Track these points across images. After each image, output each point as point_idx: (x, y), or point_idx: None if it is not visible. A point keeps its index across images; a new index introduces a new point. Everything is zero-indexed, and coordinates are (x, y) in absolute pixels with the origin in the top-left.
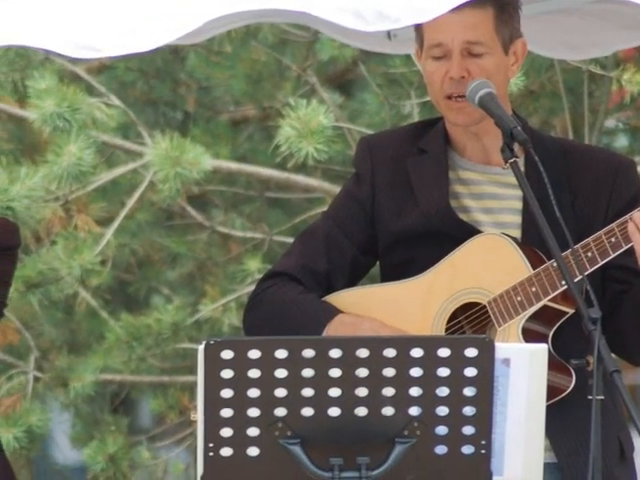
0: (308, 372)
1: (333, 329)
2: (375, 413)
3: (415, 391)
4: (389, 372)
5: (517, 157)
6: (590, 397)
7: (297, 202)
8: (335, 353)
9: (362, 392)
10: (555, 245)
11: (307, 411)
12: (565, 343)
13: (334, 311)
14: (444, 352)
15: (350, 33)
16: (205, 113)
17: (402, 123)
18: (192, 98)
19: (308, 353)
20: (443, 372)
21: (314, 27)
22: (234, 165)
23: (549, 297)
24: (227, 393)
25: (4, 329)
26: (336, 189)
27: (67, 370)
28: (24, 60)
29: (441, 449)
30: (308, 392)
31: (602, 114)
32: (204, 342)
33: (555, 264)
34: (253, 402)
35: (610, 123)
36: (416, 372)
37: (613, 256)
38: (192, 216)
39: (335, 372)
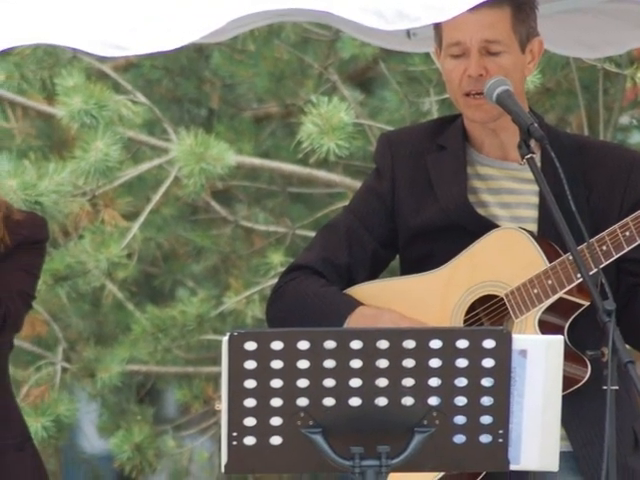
0: (329, 363)
1: (354, 321)
2: (395, 403)
3: (434, 381)
4: (409, 363)
5: (534, 153)
6: (605, 387)
7: (319, 197)
8: (356, 344)
9: (382, 382)
10: (571, 239)
11: (328, 401)
12: (580, 335)
13: (355, 303)
14: (462, 343)
15: (371, 32)
16: (229, 110)
17: (421, 120)
18: (216, 95)
19: (329, 344)
20: (461, 363)
21: (336, 26)
22: (257, 161)
23: (565, 290)
24: (250, 384)
25: (33, 321)
26: (357, 184)
27: (94, 361)
28: (52, 58)
29: (459, 438)
30: (329, 382)
31: (616, 111)
32: (228, 334)
33: (571, 257)
34: (276, 392)
35: (624, 120)
36: (435, 363)
37: (627, 249)
38: (216, 211)
39: (356, 363)
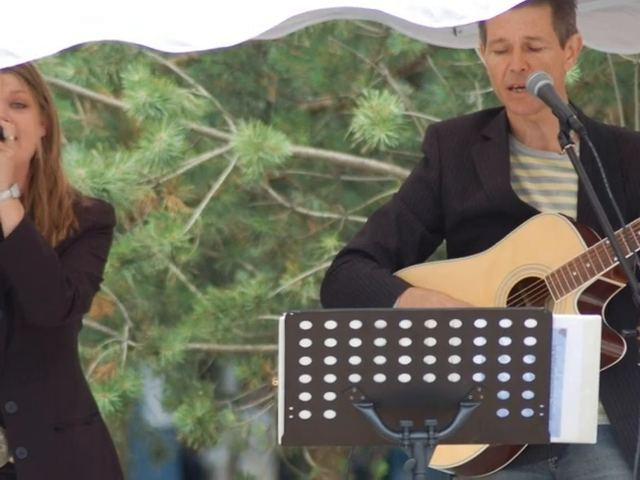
0: (380, 341)
1: (403, 301)
2: (442, 379)
3: (479, 359)
4: (455, 341)
5: (573, 143)
6: None
7: (370, 185)
8: (405, 324)
9: (430, 360)
10: (608, 224)
11: (379, 377)
12: (617, 315)
13: (404, 285)
14: (506, 323)
15: (419, 29)
16: (285, 103)
17: (467, 112)
18: (273, 89)
19: (380, 324)
20: (505, 341)
21: (386, 24)
22: (312, 151)
23: (602, 272)
24: (305, 361)
25: (100, 302)
26: (406, 173)
27: (158, 339)
28: (119, 54)
29: (503, 412)
30: (380, 360)
31: None
32: (285, 314)
33: (608, 242)
34: (329, 369)
35: None
36: (480, 341)
37: None
38: (273, 198)
39: (405, 341)
